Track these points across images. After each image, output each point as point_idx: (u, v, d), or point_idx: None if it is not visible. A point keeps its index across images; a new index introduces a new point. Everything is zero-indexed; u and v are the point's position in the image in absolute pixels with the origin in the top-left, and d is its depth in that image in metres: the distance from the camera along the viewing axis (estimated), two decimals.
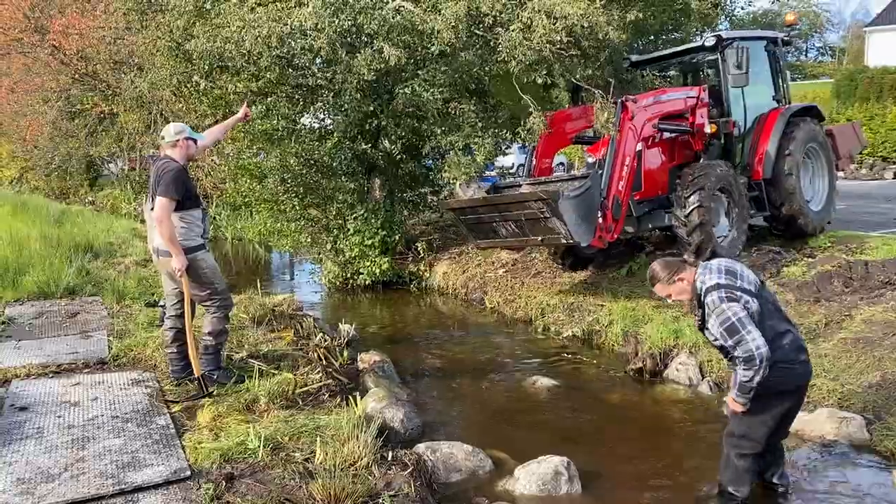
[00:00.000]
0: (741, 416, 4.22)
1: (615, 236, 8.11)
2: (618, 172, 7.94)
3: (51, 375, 5.69)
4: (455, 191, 8.83)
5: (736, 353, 4.01)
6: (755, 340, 3.92)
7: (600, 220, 7.68)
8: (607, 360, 7.76)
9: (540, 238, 7.84)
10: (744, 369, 4.00)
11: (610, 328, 8.24)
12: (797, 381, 4.16)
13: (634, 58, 10.29)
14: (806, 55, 64.23)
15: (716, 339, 4.15)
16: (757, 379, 3.97)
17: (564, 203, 7.28)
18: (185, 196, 5.18)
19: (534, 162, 9.25)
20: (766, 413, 4.18)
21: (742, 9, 17.93)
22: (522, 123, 9.51)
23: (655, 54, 10.31)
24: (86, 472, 3.96)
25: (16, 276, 8.68)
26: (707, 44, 9.18)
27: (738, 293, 4.03)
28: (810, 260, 8.44)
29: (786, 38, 10.16)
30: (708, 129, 8.90)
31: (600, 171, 7.90)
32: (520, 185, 8.90)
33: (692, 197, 8.25)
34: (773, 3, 22.17)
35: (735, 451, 4.29)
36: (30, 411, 4.89)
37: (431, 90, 9.79)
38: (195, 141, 5.49)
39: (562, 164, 21.87)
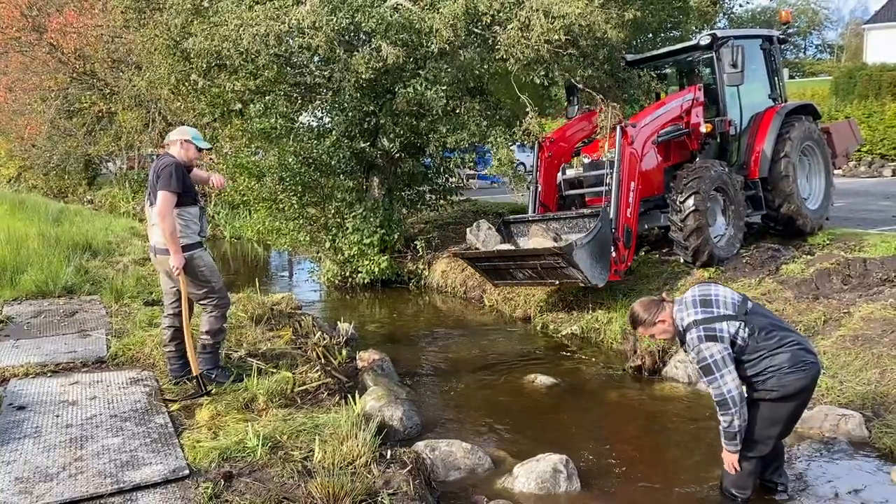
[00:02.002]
0: (753, 421, 4.22)
1: (629, 264, 8.19)
2: (624, 200, 7.98)
3: (49, 374, 5.68)
4: (467, 237, 8.79)
5: (712, 395, 4.12)
6: (727, 384, 4.02)
7: (613, 254, 7.75)
8: (606, 358, 7.76)
9: (557, 282, 8.10)
10: (721, 414, 4.12)
11: (609, 326, 8.25)
12: (804, 383, 4.14)
13: (630, 57, 10.27)
14: (805, 53, 64.27)
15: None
16: (737, 423, 4.09)
17: (579, 252, 7.40)
18: (183, 192, 5.19)
19: (539, 188, 9.19)
20: (776, 416, 4.22)
21: (741, 6, 17.94)
22: (520, 123, 9.50)
23: (651, 53, 10.30)
24: (84, 472, 3.96)
25: (14, 275, 8.67)
26: (702, 42, 9.16)
27: (718, 326, 4.05)
28: (809, 257, 8.44)
29: (781, 37, 10.15)
30: (703, 129, 8.90)
31: (608, 207, 7.96)
32: (528, 221, 8.88)
33: (687, 201, 8.24)
34: (771, 0, 22.16)
35: (742, 452, 4.29)
36: (28, 410, 4.88)
37: (435, 88, 9.78)
38: (199, 149, 5.50)
39: None
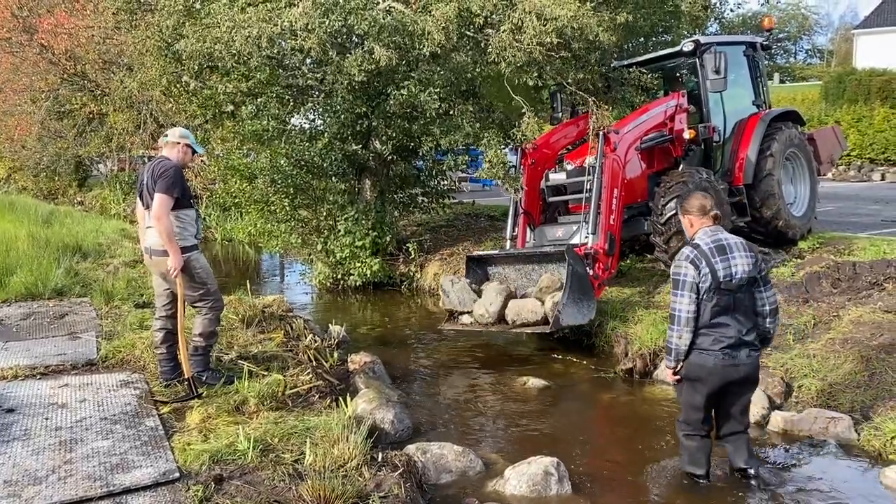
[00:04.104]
0: (681, 402, 4.73)
1: (612, 272, 8.09)
2: (607, 207, 7.88)
3: (38, 377, 5.65)
4: (443, 301, 8.38)
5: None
6: (682, 304, 4.39)
7: (591, 271, 7.59)
8: (597, 361, 7.78)
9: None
10: (669, 327, 4.53)
11: (600, 329, 8.25)
12: (711, 372, 4.41)
13: (615, 64, 10.32)
14: (795, 57, 64.64)
15: None
16: (674, 341, 4.45)
17: (565, 315, 7.12)
18: (181, 195, 5.19)
19: (522, 196, 8.96)
20: (692, 399, 4.58)
21: (732, 11, 17.97)
22: (517, 125, 9.47)
23: (635, 59, 10.32)
24: (73, 475, 3.94)
25: (3, 277, 8.61)
26: (685, 49, 9.18)
27: (704, 266, 4.33)
28: (799, 261, 8.49)
29: (765, 43, 10.18)
30: (686, 135, 8.90)
31: (585, 223, 7.86)
32: (495, 258, 8.49)
33: (669, 204, 8.23)
34: (762, 5, 22.24)
35: (681, 433, 4.73)
36: (17, 413, 4.85)
37: (428, 91, 9.78)
38: (194, 151, 5.50)
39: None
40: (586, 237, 7.92)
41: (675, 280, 4.43)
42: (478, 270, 8.54)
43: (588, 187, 8.17)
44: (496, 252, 8.74)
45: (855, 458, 5.11)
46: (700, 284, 4.33)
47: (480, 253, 8.87)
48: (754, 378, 4.60)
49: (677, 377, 4.58)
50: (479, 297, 8.09)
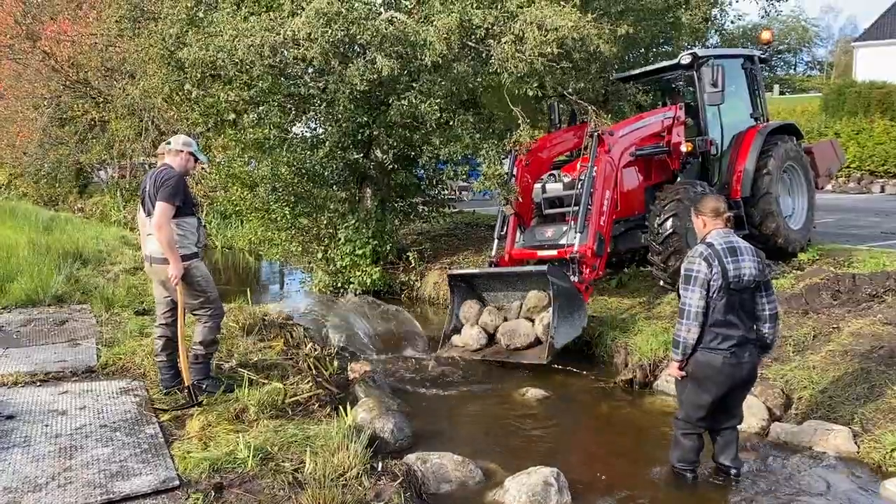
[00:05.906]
0: (681, 400, 4.86)
1: (600, 273, 8.06)
2: (597, 207, 7.86)
3: (38, 384, 5.65)
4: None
5: (679, 301, 4.67)
6: (692, 298, 4.53)
7: (577, 275, 7.59)
8: (597, 371, 7.77)
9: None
10: (678, 321, 4.65)
11: (600, 339, 8.26)
12: (724, 371, 4.55)
13: (615, 76, 10.34)
14: (795, 69, 64.95)
15: None
16: (682, 335, 4.59)
17: (559, 334, 7.17)
18: (183, 203, 5.20)
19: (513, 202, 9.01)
20: (698, 399, 4.70)
21: (732, 23, 18.01)
22: (510, 135, 9.50)
23: (634, 72, 10.34)
24: (73, 482, 3.93)
25: (4, 283, 8.61)
26: (683, 62, 9.19)
27: (717, 264, 4.49)
28: (799, 273, 8.50)
29: (763, 56, 10.21)
30: (683, 148, 8.90)
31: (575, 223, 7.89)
32: (482, 276, 8.48)
33: (666, 223, 8.23)
34: (762, 17, 22.30)
35: (679, 432, 4.87)
36: (17, 420, 4.85)
37: (429, 101, 9.81)
38: (196, 159, 5.52)
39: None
40: (574, 237, 7.91)
41: (686, 276, 4.57)
42: (462, 286, 8.53)
43: (577, 188, 8.15)
44: (477, 271, 8.78)
45: (854, 470, 5.10)
46: (711, 282, 4.50)
47: (461, 271, 8.83)
48: (754, 376, 4.84)
49: (682, 373, 4.70)
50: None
